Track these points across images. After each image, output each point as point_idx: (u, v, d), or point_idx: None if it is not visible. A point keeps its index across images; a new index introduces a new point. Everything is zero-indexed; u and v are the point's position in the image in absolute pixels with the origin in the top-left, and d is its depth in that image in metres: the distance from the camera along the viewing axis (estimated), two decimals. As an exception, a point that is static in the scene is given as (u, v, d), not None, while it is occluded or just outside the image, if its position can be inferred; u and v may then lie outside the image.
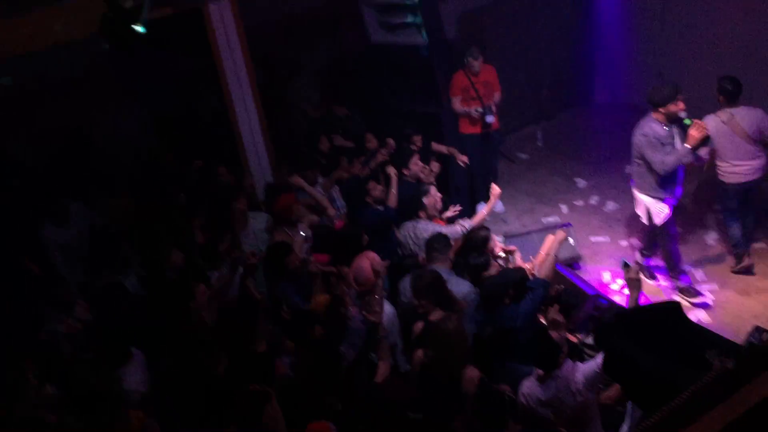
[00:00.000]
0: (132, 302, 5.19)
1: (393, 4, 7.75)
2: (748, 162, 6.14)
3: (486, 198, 6.45)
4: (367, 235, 5.61)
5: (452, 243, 5.54)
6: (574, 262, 6.96)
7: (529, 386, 4.23)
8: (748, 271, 6.59)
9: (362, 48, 8.29)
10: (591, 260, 7.14)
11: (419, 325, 4.82)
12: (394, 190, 6.25)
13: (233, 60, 6.62)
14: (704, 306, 6.27)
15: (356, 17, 8.03)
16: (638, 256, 6.68)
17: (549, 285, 5.04)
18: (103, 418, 4.00)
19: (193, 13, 6.38)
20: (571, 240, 6.87)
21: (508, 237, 6.93)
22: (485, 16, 8.91)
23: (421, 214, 6.06)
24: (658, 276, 6.71)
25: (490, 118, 7.60)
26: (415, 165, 6.64)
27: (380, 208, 6.28)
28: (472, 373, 4.24)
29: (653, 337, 2.90)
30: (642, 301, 4.99)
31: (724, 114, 6.11)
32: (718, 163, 6.23)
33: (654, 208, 6.08)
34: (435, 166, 6.99)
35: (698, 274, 6.61)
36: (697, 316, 6.15)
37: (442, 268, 5.14)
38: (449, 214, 6.40)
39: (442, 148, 7.46)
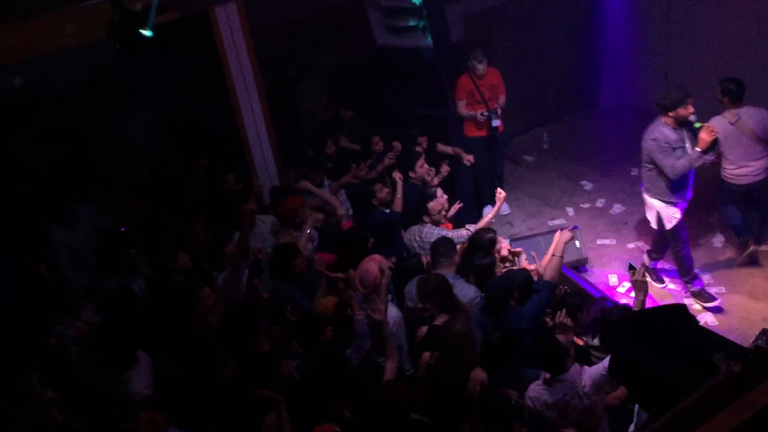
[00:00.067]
0: (140, 306, 5.21)
1: (398, 7, 7.75)
2: (755, 162, 6.13)
3: (492, 201, 6.46)
4: (373, 238, 5.61)
5: (457, 247, 5.55)
6: (580, 265, 6.95)
7: (536, 390, 4.23)
8: (753, 260, 6.61)
9: (368, 51, 8.30)
10: (597, 263, 7.12)
11: (423, 330, 4.82)
12: (399, 195, 6.24)
13: (239, 63, 6.62)
14: (716, 310, 6.25)
15: (362, 20, 8.04)
16: (646, 259, 6.66)
17: (555, 286, 5.04)
18: (110, 422, 4.00)
19: (199, 17, 6.40)
20: (577, 243, 6.86)
21: (514, 240, 6.92)
22: (491, 19, 8.90)
23: (426, 218, 6.06)
24: (666, 279, 6.70)
25: (496, 122, 7.59)
26: (421, 168, 6.64)
27: (386, 211, 6.28)
28: (478, 374, 4.24)
29: (659, 340, 2.88)
30: (649, 304, 4.99)
31: (730, 115, 6.09)
32: (725, 165, 6.22)
33: (665, 213, 6.04)
34: (444, 168, 6.98)
35: (705, 277, 6.59)
36: (704, 318, 6.13)
37: (448, 273, 5.14)
38: (452, 212, 6.39)
39: (448, 149, 7.47)
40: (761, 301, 6.30)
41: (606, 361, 3.94)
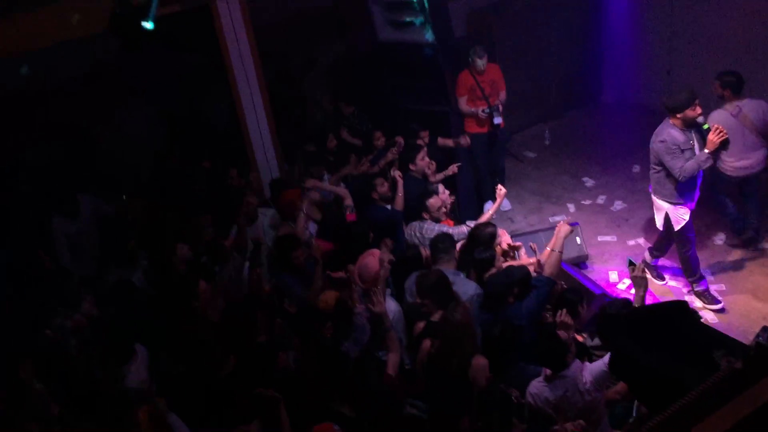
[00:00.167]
0: (140, 299, 5.20)
1: (400, 2, 7.73)
2: (753, 154, 6.15)
3: (493, 197, 6.45)
4: (373, 233, 5.61)
5: (458, 244, 5.54)
6: (581, 262, 6.94)
7: (537, 386, 4.22)
8: (754, 244, 6.72)
9: (370, 46, 8.28)
10: (598, 260, 7.12)
11: (420, 325, 4.82)
12: (400, 194, 6.23)
13: (241, 57, 6.61)
14: (718, 309, 6.25)
15: (364, 14, 8.02)
16: (647, 256, 6.65)
17: (554, 283, 5.03)
18: (109, 417, 3.98)
19: (201, 10, 6.38)
20: (578, 239, 6.85)
21: (515, 236, 6.91)
22: (493, 15, 8.88)
23: (425, 215, 6.05)
24: (666, 276, 6.69)
25: (498, 119, 7.56)
26: (422, 161, 6.62)
27: (387, 207, 6.27)
28: (479, 361, 4.24)
29: (660, 337, 2.88)
30: (650, 301, 4.98)
31: (731, 107, 6.11)
32: (725, 157, 6.20)
33: (673, 215, 6.00)
34: (451, 168, 6.97)
35: (706, 274, 6.58)
36: (704, 316, 6.12)
37: (448, 269, 5.13)
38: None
39: (449, 142, 7.46)
40: (761, 299, 6.29)
41: (607, 357, 3.94)
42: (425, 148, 6.77)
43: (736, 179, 6.36)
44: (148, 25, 5.62)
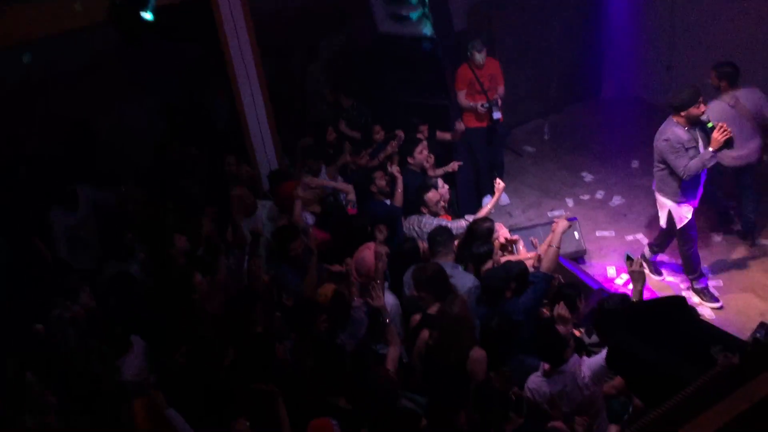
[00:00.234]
0: (138, 291, 5.20)
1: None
2: (750, 143, 6.18)
3: (491, 191, 6.45)
4: (371, 227, 5.61)
5: (456, 238, 5.54)
6: (579, 257, 6.95)
7: (535, 381, 4.23)
8: (751, 239, 6.81)
9: (370, 38, 8.26)
10: (596, 255, 7.13)
11: (416, 318, 4.82)
12: (399, 190, 6.22)
13: (240, 49, 6.59)
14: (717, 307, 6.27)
15: (364, 7, 7.99)
16: (646, 251, 6.64)
17: (551, 278, 5.03)
18: (105, 410, 3.96)
19: (200, 1, 6.36)
20: (576, 234, 6.86)
21: (513, 230, 6.92)
22: (494, 8, 8.86)
23: (423, 209, 6.04)
24: (663, 272, 6.70)
25: (497, 114, 7.54)
26: (420, 154, 6.61)
27: (386, 201, 6.26)
28: (478, 354, 4.25)
29: (657, 332, 2.89)
30: (647, 296, 4.99)
31: (728, 97, 6.13)
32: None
33: (676, 212, 5.99)
34: (452, 165, 6.97)
35: (704, 271, 6.59)
36: (702, 312, 6.13)
37: (447, 262, 5.13)
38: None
39: (447, 136, 7.44)
40: (759, 295, 6.30)
41: (605, 352, 3.95)
42: (424, 142, 6.76)
43: (733, 169, 6.39)
44: (148, 15, 5.60)
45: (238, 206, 5.77)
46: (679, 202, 5.94)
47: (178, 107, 7.89)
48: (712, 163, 5.71)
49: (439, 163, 6.94)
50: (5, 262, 5.76)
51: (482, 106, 7.51)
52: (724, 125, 5.61)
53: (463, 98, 7.61)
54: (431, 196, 6.03)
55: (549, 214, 7.84)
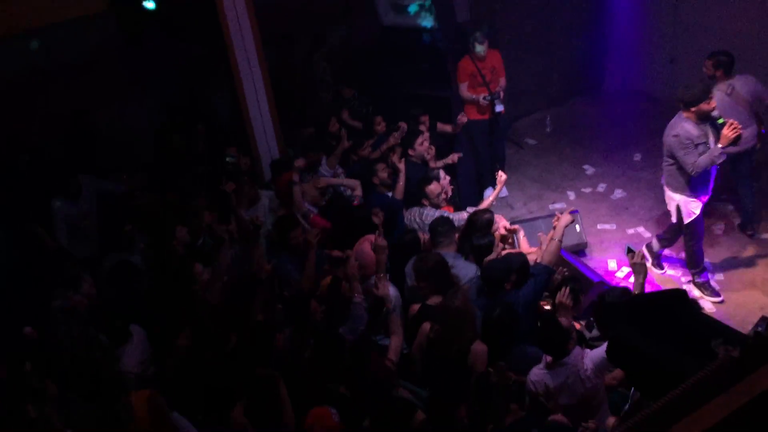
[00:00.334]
0: (140, 280, 5.20)
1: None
2: (745, 130, 6.13)
3: (493, 184, 6.44)
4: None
5: (457, 229, 5.53)
6: (580, 250, 6.94)
7: (537, 373, 4.22)
8: (752, 229, 6.82)
9: (374, 30, 8.24)
10: (597, 247, 7.12)
11: (415, 308, 4.83)
12: (401, 183, 6.21)
13: (243, 39, 6.57)
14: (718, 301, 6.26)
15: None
16: (654, 243, 6.60)
17: (552, 271, 5.02)
18: (104, 400, 3.93)
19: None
20: (577, 227, 6.85)
21: (514, 223, 6.91)
22: (498, 1, 8.83)
23: (424, 201, 6.04)
24: (665, 265, 6.69)
25: (500, 107, 7.52)
26: (421, 146, 6.60)
27: (388, 194, 6.25)
28: (479, 347, 4.24)
29: (658, 325, 2.89)
30: (649, 289, 4.98)
31: (724, 86, 6.12)
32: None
33: (684, 207, 5.95)
34: (452, 157, 6.95)
35: (705, 264, 6.58)
36: (702, 305, 6.13)
37: (448, 253, 5.13)
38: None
39: (447, 128, 7.43)
40: (759, 288, 6.30)
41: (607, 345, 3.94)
42: (425, 134, 6.75)
43: (730, 156, 6.33)
44: (150, 4, 5.59)
45: (238, 198, 5.78)
46: (687, 197, 5.90)
47: (178, 106, 7.84)
48: (721, 160, 5.64)
49: (440, 155, 6.93)
50: (7, 252, 5.75)
51: (484, 98, 7.48)
52: (735, 122, 5.55)
53: (465, 90, 7.58)
54: (433, 188, 6.02)
55: (550, 206, 7.83)
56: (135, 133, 7.54)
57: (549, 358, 4.19)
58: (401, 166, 6.30)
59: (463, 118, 7.35)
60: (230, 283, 5.09)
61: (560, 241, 5.12)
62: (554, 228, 5.26)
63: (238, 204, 5.70)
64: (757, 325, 4.20)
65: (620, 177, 8.18)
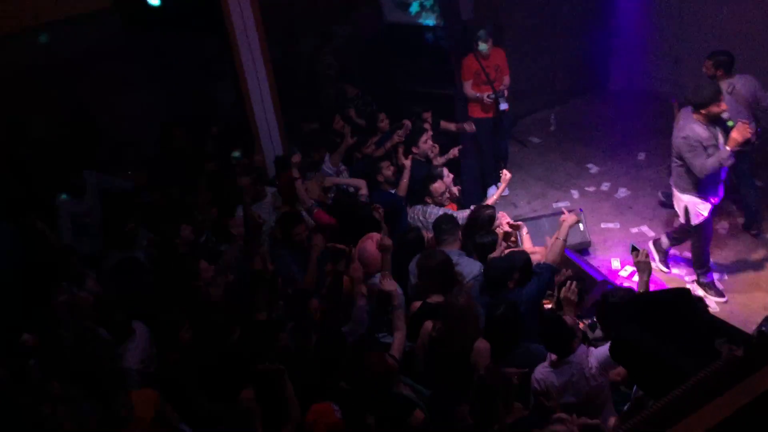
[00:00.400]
0: (145, 276, 5.20)
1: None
2: None
3: (496, 181, 6.44)
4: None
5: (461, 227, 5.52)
6: (583, 248, 6.93)
7: (542, 372, 4.20)
8: (757, 228, 6.77)
9: (377, 27, 8.23)
10: (601, 246, 7.11)
11: (416, 305, 4.82)
12: (405, 180, 6.20)
13: (246, 34, 6.57)
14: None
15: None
16: (664, 240, 6.57)
17: (557, 270, 5.01)
18: (105, 397, 3.92)
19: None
20: (581, 226, 6.84)
21: (517, 221, 6.90)
22: (501, -1, 8.83)
23: (428, 200, 6.03)
24: (671, 265, 6.67)
25: (504, 105, 7.51)
26: (425, 143, 6.60)
27: (392, 191, 6.25)
28: (482, 345, 4.24)
29: (662, 323, 2.87)
30: (652, 288, 4.96)
31: (725, 85, 6.11)
32: None
33: (692, 209, 5.91)
34: (453, 152, 6.95)
35: (710, 264, 6.57)
36: (705, 304, 6.12)
37: (452, 250, 5.12)
38: (454, 193, 6.37)
39: (451, 126, 7.41)
40: (763, 289, 6.29)
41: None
42: (429, 132, 6.74)
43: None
44: (155, 1, 5.59)
45: (257, 192, 5.79)
46: (696, 199, 5.84)
47: (181, 102, 7.84)
48: (729, 163, 5.57)
49: (443, 153, 6.92)
50: (11, 248, 5.76)
51: (488, 97, 7.47)
52: (746, 125, 5.49)
53: (469, 89, 7.58)
54: (437, 186, 6.01)
55: (554, 205, 7.82)
56: (138, 129, 7.54)
57: (554, 357, 4.18)
58: (407, 162, 6.29)
59: (470, 127, 7.33)
60: (234, 281, 5.10)
61: (565, 240, 5.11)
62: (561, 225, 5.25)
63: (248, 199, 5.71)
64: (761, 324, 4.19)
65: (624, 176, 8.17)
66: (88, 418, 3.94)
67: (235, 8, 6.43)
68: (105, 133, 7.41)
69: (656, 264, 6.57)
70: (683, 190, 5.92)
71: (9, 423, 3.89)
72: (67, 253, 5.33)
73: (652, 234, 7.10)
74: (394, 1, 7.90)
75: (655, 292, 4.92)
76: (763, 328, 3.51)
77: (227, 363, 4.19)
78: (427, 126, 6.85)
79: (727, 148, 5.49)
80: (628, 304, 4.15)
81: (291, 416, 3.94)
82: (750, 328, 4.34)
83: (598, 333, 4.84)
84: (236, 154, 6.45)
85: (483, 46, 7.39)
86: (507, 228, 5.65)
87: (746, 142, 5.51)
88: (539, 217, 7.03)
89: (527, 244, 5.72)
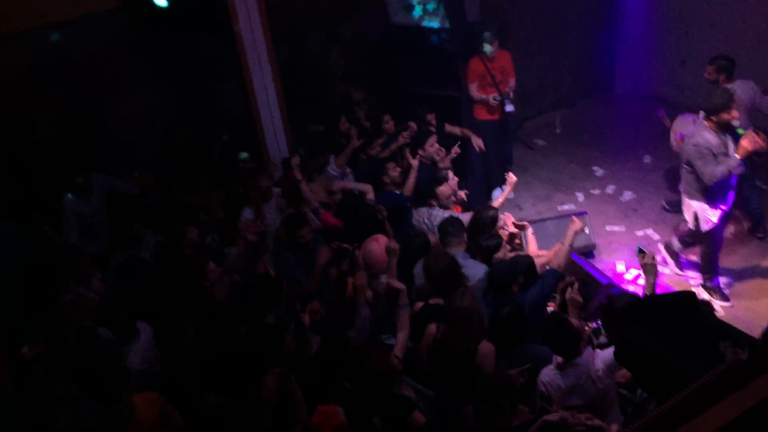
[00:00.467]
0: (150, 277, 5.20)
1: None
2: None
3: (502, 184, 6.43)
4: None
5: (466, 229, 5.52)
6: (588, 251, 6.92)
7: (549, 374, 4.20)
8: (764, 232, 6.77)
9: (383, 29, 8.24)
10: (606, 249, 7.10)
11: (418, 305, 4.82)
12: (412, 180, 6.20)
13: (253, 35, 6.58)
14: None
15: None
16: (675, 243, 6.54)
17: (562, 275, 5.00)
18: (108, 398, 3.91)
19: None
20: (586, 229, 6.82)
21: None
22: (508, 1, 8.82)
23: (433, 202, 6.03)
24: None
25: (510, 107, 7.51)
26: (431, 147, 6.59)
27: (397, 192, 6.25)
28: (486, 347, 4.23)
29: (667, 326, 2.87)
30: (659, 291, 4.95)
31: None
32: None
33: (702, 214, 5.87)
34: (454, 150, 6.94)
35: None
36: (712, 308, 6.10)
37: (458, 252, 5.12)
38: (461, 196, 6.36)
39: (456, 130, 7.41)
40: (767, 292, 6.26)
41: (617, 346, 3.92)
42: (435, 135, 6.74)
43: None
44: (162, 2, 5.61)
45: (260, 196, 5.81)
46: (705, 205, 5.81)
47: (187, 103, 7.86)
48: (738, 171, 5.53)
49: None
50: (12, 248, 5.77)
51: (494, 99, 7.47)
52: (759, 135, 5.43)
53: (475, 91, 7.58)
54: (443, 189, 6.02)
55: (559, 208, 7.82)
56: (145, 130, 7.56)
57: (560, 359, 4.17)
58: (415, 162, 6.28)
59: (477, 141, 7.32)
60: (240, 282, 5.10)
61: (570, 245, 5.10)
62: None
63: (258, 200, 5.72)
64: (766, 328, 4.17)
65: (629, 179, 8.15)
66: (88, 418, 3.93)
67: (242, 8, 6.44)
68: (110, 133, 7.42)
69: (672, 268, 6.58)
70: (693, 196, 5.88)
71: (9, 423, 3.89)
72: (71, 253, 5.34)
73: (657, 237, 7.08)
74: (400, 2, 7.91)
75: (660, 296, 4.91)
76: (769, 332, 3.50)
77: (231, 362, 4.19)
78: (432, 129, 6.85)
79: (737, 156, 5.45)
80: (633, 306, 4.14)
81: (300, 417, 3.94)
82: (755, 332, 4.33)
83: (603, 339, 4.83)
84: (243, 154, 6.47)
85: (488, 48, 7.39)
86: (513, 229, 5.64)
87: (756, 152, 5.48)
88: (544, 220, 7.02)
89: (532, 246, 5.72)
